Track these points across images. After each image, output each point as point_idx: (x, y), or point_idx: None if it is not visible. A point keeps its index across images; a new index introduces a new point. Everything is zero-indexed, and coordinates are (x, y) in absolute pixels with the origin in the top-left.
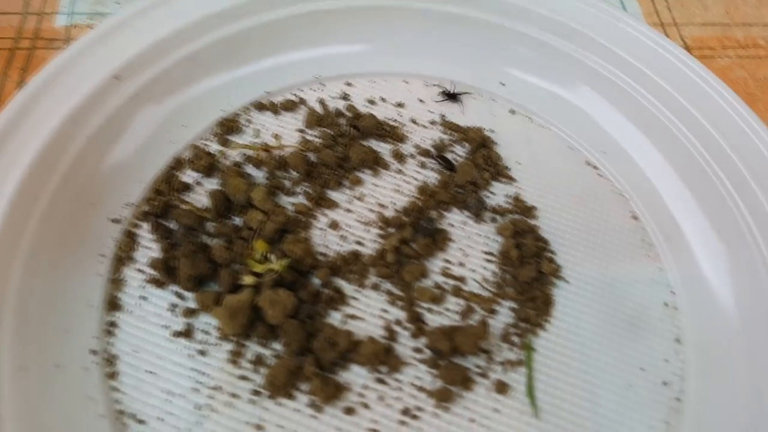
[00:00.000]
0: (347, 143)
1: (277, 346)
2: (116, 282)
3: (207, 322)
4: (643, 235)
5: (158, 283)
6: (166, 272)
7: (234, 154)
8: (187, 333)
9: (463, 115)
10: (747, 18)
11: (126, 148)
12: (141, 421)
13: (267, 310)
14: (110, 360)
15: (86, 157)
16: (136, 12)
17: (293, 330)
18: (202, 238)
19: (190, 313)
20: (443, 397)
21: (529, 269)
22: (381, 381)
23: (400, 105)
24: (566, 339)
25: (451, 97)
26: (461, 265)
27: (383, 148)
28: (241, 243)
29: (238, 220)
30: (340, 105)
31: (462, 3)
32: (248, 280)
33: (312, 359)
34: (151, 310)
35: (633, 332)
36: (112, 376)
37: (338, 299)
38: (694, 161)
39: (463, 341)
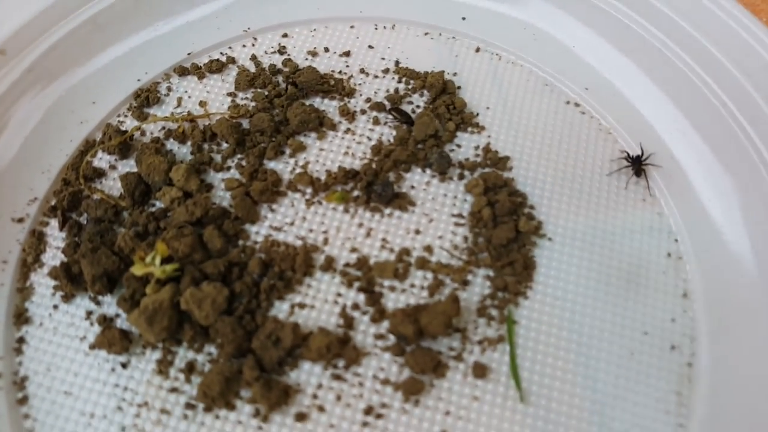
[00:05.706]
0: (285, 104)
1: (212, 349)
2: (23, 291)
3: (129, 328)
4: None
5: (65, 296)
6: (68, 279)
7: (153, 129)
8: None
9: (422, 60)
10: None
11: (21, 133)
12: None
13: (194, 311)
14: (19, 383)
15: None
16: None
17: (227, 329)
18: (119, 231)
19: (107, 320)
20: (412, 389)
21: (504, 229)
22: (338, 377)
23: (346, 54)
24: (553, 306)
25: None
26: (425, 232)
27: (329, 106)
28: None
29: (160, 205)
30: (277, 60)
31: None
32: (152, 272)
33: (252, 360)
34: (65, 320)
35: (632, 290)
36: (23, 401)
37: (281, 287)
38: (690, 83)
39: (430, 321)
